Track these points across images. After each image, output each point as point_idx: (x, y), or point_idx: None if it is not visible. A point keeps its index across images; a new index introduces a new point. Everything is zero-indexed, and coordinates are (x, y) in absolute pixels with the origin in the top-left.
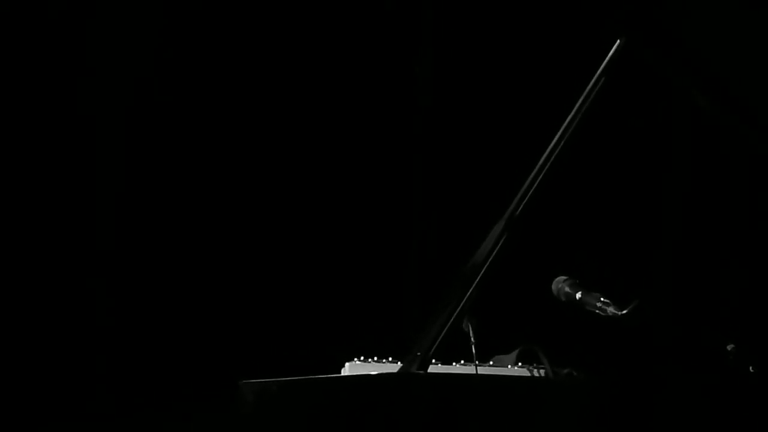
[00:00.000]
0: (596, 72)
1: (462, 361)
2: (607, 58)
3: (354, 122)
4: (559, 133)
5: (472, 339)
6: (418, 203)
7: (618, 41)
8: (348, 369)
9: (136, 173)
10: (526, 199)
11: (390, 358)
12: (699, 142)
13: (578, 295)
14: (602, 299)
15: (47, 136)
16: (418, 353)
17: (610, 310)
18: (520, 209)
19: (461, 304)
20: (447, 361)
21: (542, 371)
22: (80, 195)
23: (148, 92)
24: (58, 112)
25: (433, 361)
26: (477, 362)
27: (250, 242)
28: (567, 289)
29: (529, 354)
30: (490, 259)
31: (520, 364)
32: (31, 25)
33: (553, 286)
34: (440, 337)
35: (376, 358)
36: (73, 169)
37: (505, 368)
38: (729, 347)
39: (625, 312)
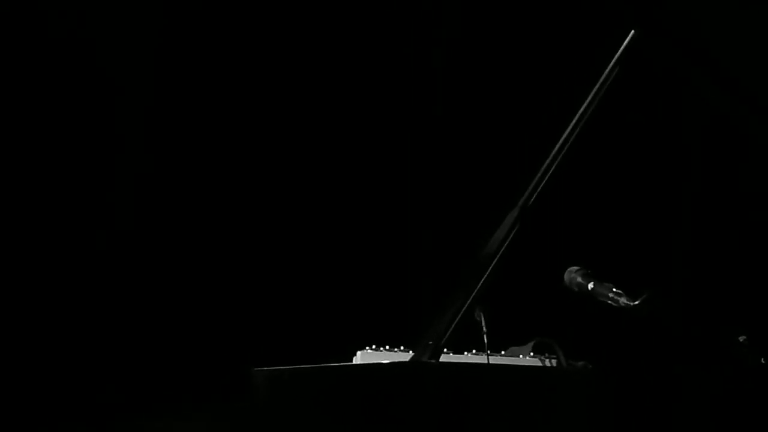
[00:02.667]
0: (610, 62)
1: (474, 351)
2: (621, 49)
3: (367, 113)
4: (572, 123)
5: (484, 328)
6: (431, 191)
7: (632, 32)
8: (360, 357)
9: (157, 167)
10: (540, 188)
11: (402, 347)
12: (712, 133)
13: (590, 286)
14: (614, 290)
15: (47, 136)
16: (430, 342)
17: (623, 300)
18: (533, 199)
19: (473, 294)
20: (459, 351)
21: (554, 361)
22: (95, 192)
23: (149, 92)
24: (57, 111)
25: (445, 350)
26: (488, 352)
27: (264, 231)
28: (579, 279)
29: (544, 346)
30: (502, 249)
31: (532, 354)
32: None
33: (566, 276)
34: (452, 326)
35: (387, 347)
36: (74, 170)
37: (517, 358)
38: (741, 339)
39: (637, 303)
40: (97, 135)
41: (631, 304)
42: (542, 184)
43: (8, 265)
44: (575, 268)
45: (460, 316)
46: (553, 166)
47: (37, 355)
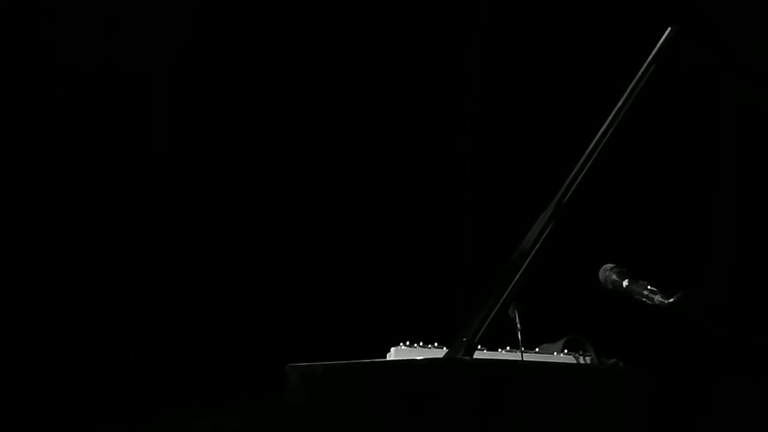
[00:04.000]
0: (646, 60)
1: (508, 348)
2: (658, 46)
3: (404, 114)
4: (608, 121)
5: (518, 326)
6: (468, 188)
7: (669, 29)
8: (393, 354)
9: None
10: (575, 186)
11: (436, 344)
12: (748, 131)
13: (625, 284)
14: (649, 287)
15: (47, 136)
16: (464, 339)
17: (657, 298)
18: (568, 196)
19: (507, 291)
20: (493, 348)
21: (588, 359)
22: (103, 191)
23: (155, 92)
24: (57, 112)
25: (479, 347)
26: (522, 349)
27: (301, 228)
28: (614, 277)
29: (575, 343)
30: (537, 246)
31: (566, 351)
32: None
33: (600, 274)
34: (486, 323)
35: (421, 343)
36: (76, 169)
37: (551, 355)
38: None
39: (672, 301)
40: (99, 135)
41: (666, 302)
42: (577, 183)
43: (32, 264)
44: (610, 265)
45: (494, 313)
46: (588, 164)
47: (66, 353)
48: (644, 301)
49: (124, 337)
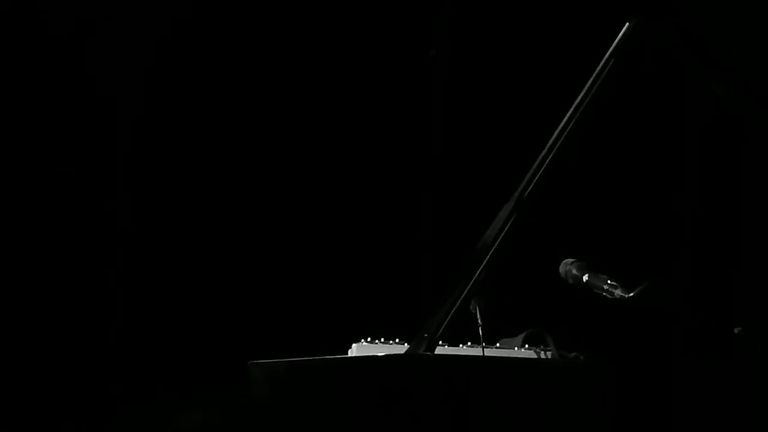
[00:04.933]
0: (606, 53)
1: (469, 343)
2: (617, 39)
3: (370, 111)
4: (568, 115)
5: (479, 321)
6: (431, 184)
7: (628, 22)
8: (355, 350)
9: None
10: (535, 180)
11: (397, 340)
12: (712, 127)
13: (585, 278)
14: (609, 281)
15: (47, 136)
16: (426, 335)
17: (618, 293)
18: (528, 191)
19: (469, 286)
20: (454, 343)
21: (549, 354)
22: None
23: (153, 92)
24: (56, 112)
25: (440, 342)
26: (484, 344)
27: (260, 226)
28: (574, 271)
29: (536, 337)
30: (498, 241)
31: (527, 346)
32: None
33: (561, 268)
34: (448, 318)
35: (383, 339)
36: (78, 170)
37: (512, 350)
38: (736, 330)
39: (632, 295)
40: (98, 135)
41: (626, 296)
42: (538, 177)
43: (17, 264)
44: (570, 260)
45: (455, 308)
46: (549, 158)
47: (40, 350)
48: (605, 295)
49: (93, 335)
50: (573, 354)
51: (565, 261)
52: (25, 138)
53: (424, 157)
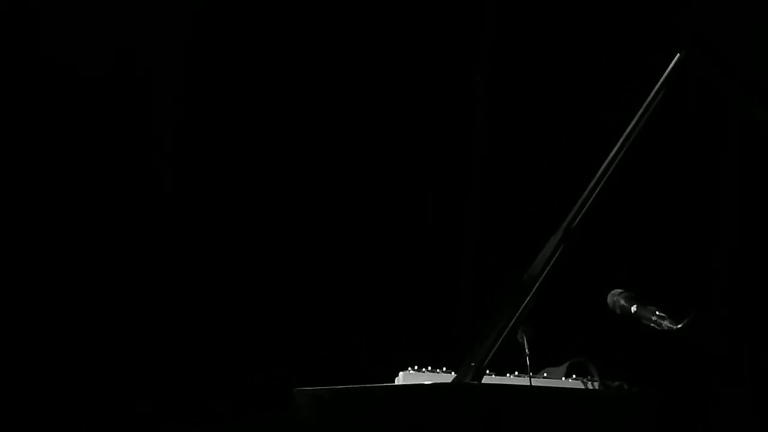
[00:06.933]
0: (656, 85)
1: (516, 372)
2: (667, 71)
3: (411, 127)
4: (617, 145)
5: (527, 350)
6: (473, 212)
7: (678, 54)
8: (402, 378)
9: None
10: (584, 210)
11: (444, 368)
12: (756, 155)
13: (633, 309)
14: (657, 312)
15: (48, 137)
16: (472, 364)
17: (666, 323)
18: (577, 221)
19: (516, 315)
20: (501, 372)
21: (596, 384)
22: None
23: (159, 91)
24: (57, 112)
25: (487, 371)
26: (531, 374)
27: (311, 255)
28: (622, 302)
29: (579, 367)
30: (546, 271)
31: (574, 376)
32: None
33: (609, 299)
34: (495, 347)
35: (430, 368)
36: (80, 170)
37: (559, 380)
38: None
39: (680, 326)
40: (99, 136)
41: (675, 327)
42: (586, 207)
43: (40, 271)
44: (618, 290)
45: (502, 337)
46: (598, 189)
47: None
48: (653, 326)
49: (135, 351)
50: (617, 383)
51: (612, 291)
52: (25, 138)
53: (466, 186)
